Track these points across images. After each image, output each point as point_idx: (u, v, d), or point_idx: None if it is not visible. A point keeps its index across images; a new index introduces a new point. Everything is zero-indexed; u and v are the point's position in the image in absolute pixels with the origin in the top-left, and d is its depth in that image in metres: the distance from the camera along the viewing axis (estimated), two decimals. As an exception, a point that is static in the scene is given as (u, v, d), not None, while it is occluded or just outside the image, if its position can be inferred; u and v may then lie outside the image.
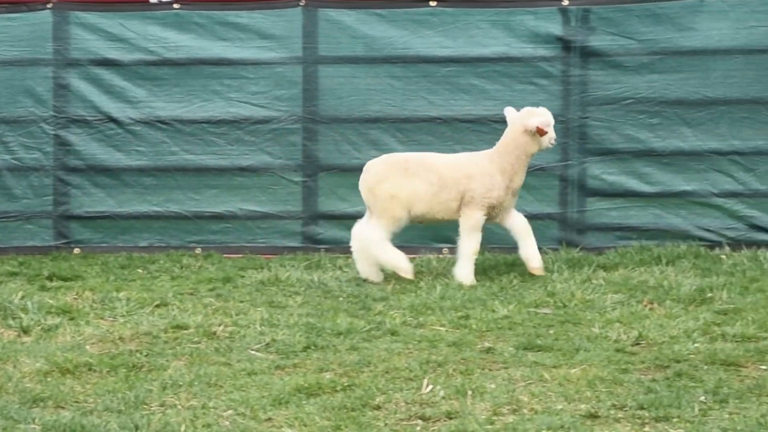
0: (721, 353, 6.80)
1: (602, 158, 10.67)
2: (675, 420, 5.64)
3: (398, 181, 9.31)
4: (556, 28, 10.73)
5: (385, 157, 9.65)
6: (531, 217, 10.58)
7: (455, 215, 9.43)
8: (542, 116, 9.41)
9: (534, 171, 10.44)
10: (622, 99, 10.63)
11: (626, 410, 5.81)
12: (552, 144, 9.50)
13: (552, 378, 6.41)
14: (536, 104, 10.49)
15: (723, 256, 10.06)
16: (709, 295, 8.47)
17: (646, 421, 5.66)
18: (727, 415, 5.69)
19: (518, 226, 9.55)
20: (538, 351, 7.04)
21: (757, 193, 10.62)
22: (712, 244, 10.54)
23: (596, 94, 10.68)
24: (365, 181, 9.47)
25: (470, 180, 9.33)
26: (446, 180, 9.35)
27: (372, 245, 9.29)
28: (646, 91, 10.63)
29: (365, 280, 9.32)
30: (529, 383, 6.34)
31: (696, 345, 7.06)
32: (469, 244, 9.33)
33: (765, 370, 6.51)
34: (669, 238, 10.56)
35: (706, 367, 6.57)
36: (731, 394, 6.00)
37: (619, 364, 6.66)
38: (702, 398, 5.94)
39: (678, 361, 6.69)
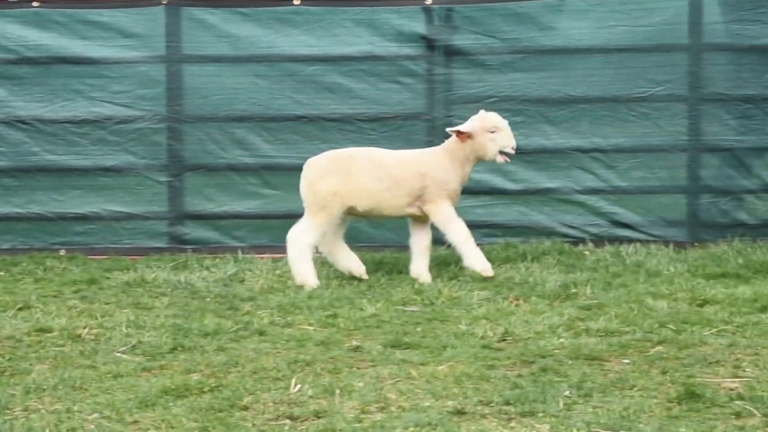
0: (585, 348, 6.91)
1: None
2: (540, 415, 5.70)
3: (341, 178, 9.14)
4: (419, 26, 10.79)
5: (328, 153, 9.45)
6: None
7: (404, 212, 9.31)
8: (474, 120, 9.33)
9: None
10: (485, 97, 10.72)
11: (493, 406, 5.86)
12: (507, 159, 9.37)
13: (419, 375, 6.44)
14: (400, 102, 10.58)
15: (586, 252, 10.23)
16: (573, 290, 8.60)
17: (512, 416, 5.72)
18: (591, 409, 5.77)
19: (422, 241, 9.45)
20: (406, 348, 7.07)
21: (618, 189, 10.81)
22: (576, 241, 10.71)
23: (460, 92, 10.77)
24: (305, 177, 9.26)
25: (424, 177, 9.22)
26: (397, 178, 9.20)
27: (293, 246, 9.09)
28: (509, 89, 10.75)
29: (350, 275, 9.28)
30: (397, 381, 6.36)
31: (561, 340, 7.16)
32: (456, 233, 9.21)
33: (627, 364, 6.62)
34: (533, 235, 10.70)
35: (570, 361, 6.67)
36: (595, 388, 6.10)
37: (486, 360, 6.73)
38: (567, 393, 6.03)
39: (543, 357, 6.77)
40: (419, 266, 9.31)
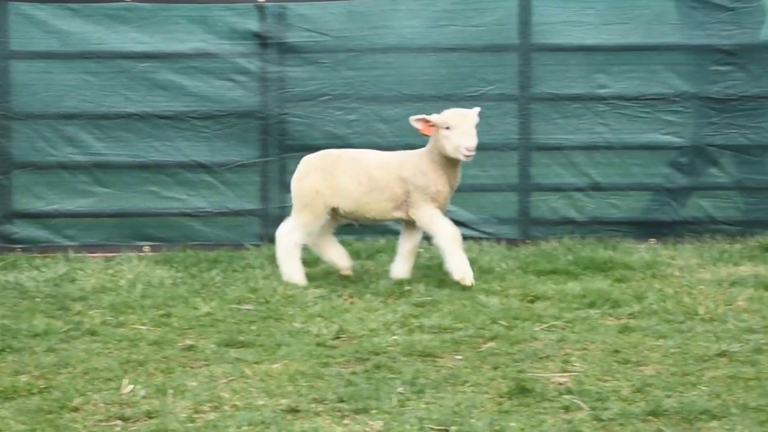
0: (419, 344, 6.96)
1: (302, 154, 10.71)
2: (374, 411, 5.73)
3: (324, 177, 8.92)
4: (253, 24, 10.74)
5: (322, 151, 9.20)
6: (233, 214, 10.61)
7: (389, 215, 9.01)
8: (441, 115, 8.82)
9: (235, 167, 10.46)
10: (319, 95, 10.73)
11: (326, 404, 5.87)
12: (464, 156, 8.71)
13: (253, 374, 6.41)
14: (234, 100, 10.51)
15: (420, 250, 10.30)
16: (407, 288, 8.65)
17: (346, 413, 5.73)
18: (424, 405, 5.82)
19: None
20: (240, 347, 7.03)
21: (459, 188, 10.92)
22: (412, 238, 10.77)
23: (294, 90, 10.74)
24: (295, 173, 9.12)
25: (405, 182, 8.88)
26: (378, 181, 8.89)
27: (280, 246, 8.97)
28: (343, 87, 10.77)
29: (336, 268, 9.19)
30: (231, 380, 6.32)
31: (395, 337, 7.21)
32: (443, 236, 8.81)
33: (460, 360, 6.70)
34: (368, 233, 10.73)
35: (404, 358, 6.71)
36: (428, 384, 6.16)
37: (320, 358, 6.73)
38: (400, 389, 6.07)
39: (377, 354, 6.81)
40: (402, 268, 9.10)
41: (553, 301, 8.18)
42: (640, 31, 10.90)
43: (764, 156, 10.94)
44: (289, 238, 8.94)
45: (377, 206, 8.93)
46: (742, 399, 5.68)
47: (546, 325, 7.48)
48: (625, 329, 7.29)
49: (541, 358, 6.69)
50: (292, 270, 8.93)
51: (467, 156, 8.70)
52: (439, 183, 8.89)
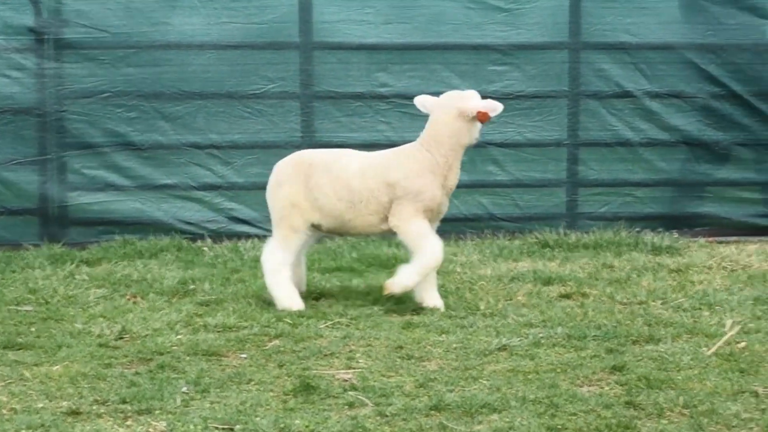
0: (204, 344, 6.91)
1: (82, 152, 10.52)
2: (158, 412, 5.66)
3: (299, 188, 7.96)
4: (27, 19, 10.46)
5: (293, 156, 8.26)
6: (11, 213, 10.33)
7: (377, 229, 8.01)
8: (482, 100, 7.90)
9: (11, 166, 10.20)
10: (99, 92, 10.52)
11: (108, 405, 5.76)
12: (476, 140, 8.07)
13: (33, 376, 6.25)
14: (9, 96, 10.23)
15: (205, 248, 10.22)
16: (192, 287, 8.58)
17: (129, 414, 5.65)
18: (208, 404, 5.78)
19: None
20: (19, 349, 6.84)
21: (236, 185, 10.87)
22: (194, 237, 10.68)
23: (73, 87, 10.51)
24: (268, 183, 8.18)
25: (393, 188, 7.86)
26: (361, 192, 7.87)
27: (267, 272, 7.94)
28: (123, 84, 10.58)
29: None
30: (9, 383, 6.15)
31: (179, 337, 7.13)
32: (422, 257, 7.76)
33: (245, 358, 6.68)
34: (152, 231, 10.58)
35: (188, 358, 6.65)
36: (213, 384, 6.11)
37: (102, 359, 6.61)
38: (184, 389, 6.01)
39: (161, 354, 6.73)
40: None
41: (338, 299, 8.23)
42: (419, 30, 11.06)
43: (541, 154, 11.24)
44: (273, 260, 7.96)
45: (363, 221, 7.97)
46: (521, 392, 5.82)
47: (331, 323, 7.51)
48: (408, 325, 7.39)
49: (326, 355, 6.72)
50: (285, 296, 7.90)
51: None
52: (436, 186, 7.92)
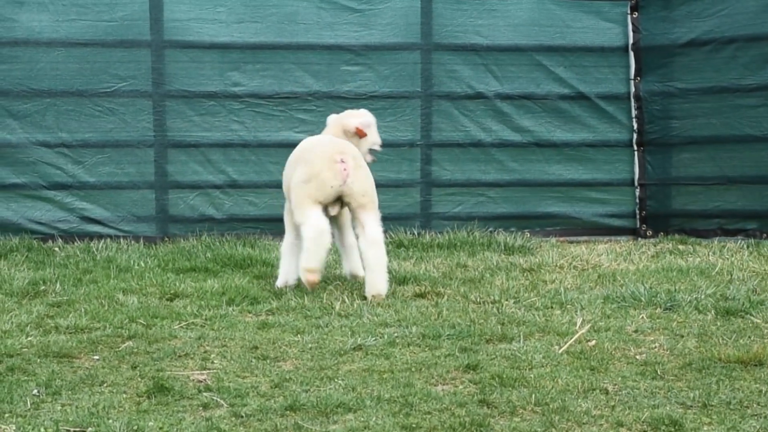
0: (55, 345, 6.78)
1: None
2: (7, 415, 5.54)
3: None
4: None
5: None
6: None
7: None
8: (362, 117, 8.73)
9: None
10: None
11: (-44, 411, 5.63)
12: (375, 150, 8.82)
13: None
14: None
15: (56, 249, 10.05)
16: (43, 287, 8.42)
17: (-23, 420, 5.52)
18: (59, 407, 5.68)
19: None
20: None
21: (87, 185, 10.72)
22: (45, 237, 10.51)
23: None
24: (363, 167, 8.35)
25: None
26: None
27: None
28: (-28, 82, 10.41)
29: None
30: None
31: (29, 338, 6.99)
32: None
33: (98, 360, 6.57)
34: (1, 232, 10.38)
35: (39, 360, 6.52)
36: (64, 386, 6.01)
37: (-55, 364, 6.45)
38: (35, 392, 5.89)
39: (11, 356, 6.58)
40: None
41: (193, 299, 8.16)
42: (272, 30, 11.04)
43: (395, 154, 11.31)
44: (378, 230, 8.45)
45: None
46: (377, 391, 5.84)
47: (185, 323, 7.45)
48: (263, 326, 7.36)
49: (180, 356, 6.66)
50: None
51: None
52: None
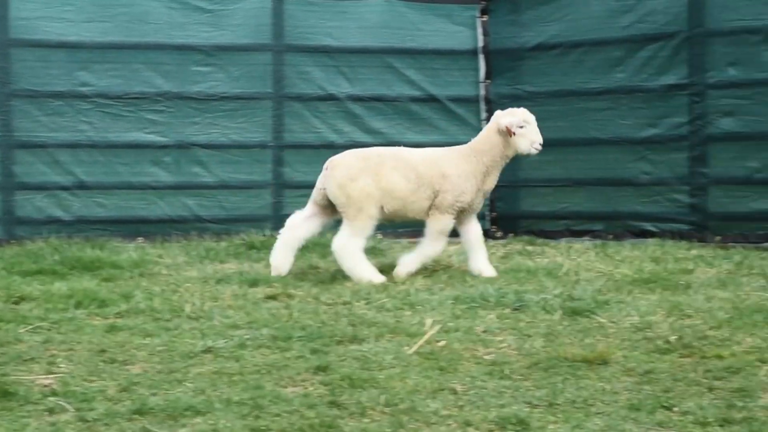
0: None
1: None
2: None
3: (372, 179, 8.87)
4: None
5: (355, 152, 9.12)
6: None
7: (426, 215, 9.10)
8: (515, 116, 9.01)
9: None
10: None
11: None
12: (535, 149, 9.03)
13: None
14: None
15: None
16: None
17: None
18: None
19: (472, 235, 9.25)
20: None
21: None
22: None
23: None
24: (335, 177, 8.88)
25: (445, 180, 8.98)
26: (423, 177, 8.95)
27: (346, 257, 8.87)
28: None
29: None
30: None
31: None
32: (431, 247, 9.16)
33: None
34: None
35: None
36: None
37: None
38: None
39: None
40: (479, 263, 9.21)
41: (39, 302, 8.01)
42: (121, 29, 10.91)
43: (246, 155, 11.28)
44: (348, 243, 8.89)
45: (420, 205, 9.04)
46: (226, 394, 5.81)
47: (31, 327, 7.30)
48: (112, 329, 7.26)
49: (25, 360, 6.52)
50: (365, 274, 8.90)
51: (539, 150, 9.07)
52: (473, 190, 9.09)
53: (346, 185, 8.88)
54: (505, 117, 9.06)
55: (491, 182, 9.22)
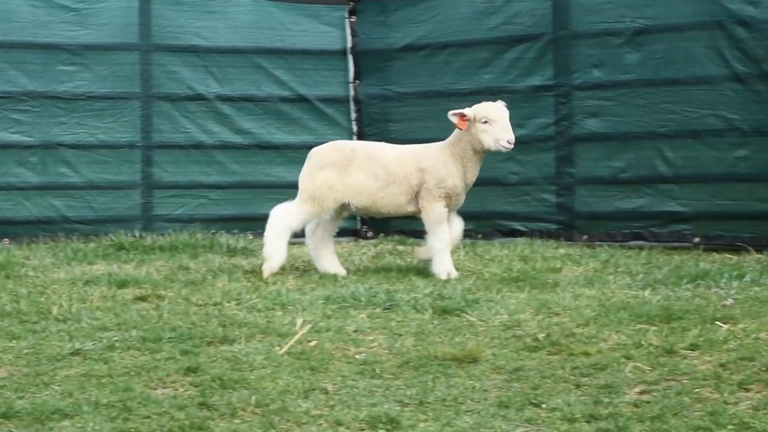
0: None
1: None
2: None
3: (338, 173, 8.99)
4: None
5: (331, 144, 9.31)
6: None
7: (403, 210, 9.16)
8: (475, 109, 8.92)
9: None
10: None
11: None
12: (503, 146, 8.84)
13: None
14: None
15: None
16: None
17: None
18: None
19: (453, 230, 9.20)
20: None
21: None
22: None
23: None
24: (307, 166, 9.12)
25: (422, 172, 9.01)
26: (395, 175, 9.00)
27: (273, 227, 8.97)
28: None
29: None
30: None
31: None
32: (437, 238, 9.03)
33: None
34: None
35: None
36: None
37: None
38: None
39: None
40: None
41: None
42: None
43: (114, 156, 11.16)
44: (284, 220, 8.98)
45: (394, 200, 9.08)
46: (95, 396, 5.73)
47: None
48: (-24, 332, 7.12)
49: None
50: (274, 252, 8.94)
51: (507, 148, 8.87)
52: (457, 177, 9.00)
53: (312, 173, 9.07)
54: (471, 109, 8.96)
55: (471, 175, 9.10)
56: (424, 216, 9.11)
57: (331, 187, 9.01)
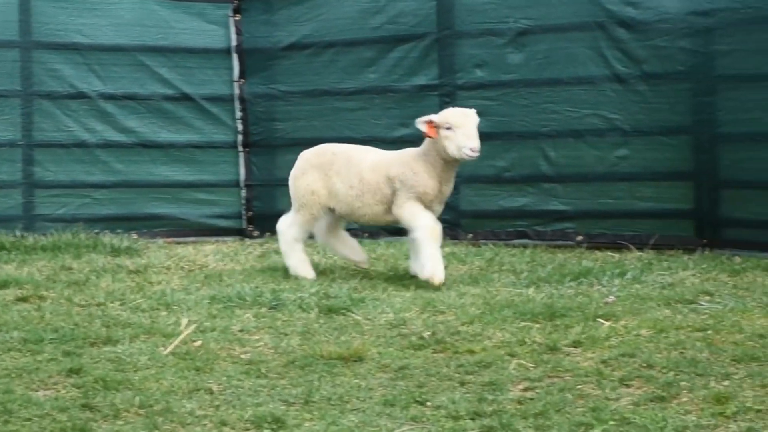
0: None
1: None
2: None
3: (321, 177, 8.88)
4: None
5: (317, 148, 9.15)
6: None
7: (383, 219, 8.89)
8: (440, 116, 8.51)
9: None
10: None
11: None
12: (467, 155, 8.35)
13: None
14: None
15: None
16: None
17: None
18: None
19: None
20: None
21: None
22: None
23: None
24: (293, 170, 9.10)
25: (392, 180, 8.63)
26: (368, 184, 8.70)
27: (283, 242, 9.06)
28: None
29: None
30: None
31: None
32: (420, 235, 8.49)
33: None
34: None
35: None
36: None
37: None
38: None
39: None
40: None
41: None
42: None
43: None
44: (289, 233, 9.01)
45: (371, 209, 8.79)
46: None
47: None
48: None
49: None
50: (298, 263, 8.99)
51: (471, 156, 8.37)
52: (428, 185, 8.57)
53: (296, 177, 9.05)
54: (437, 114, 8.59)
55: (446, 185, 8.67)
56: (399, 219, 8.69)
57: (314, 192, 8.90)
